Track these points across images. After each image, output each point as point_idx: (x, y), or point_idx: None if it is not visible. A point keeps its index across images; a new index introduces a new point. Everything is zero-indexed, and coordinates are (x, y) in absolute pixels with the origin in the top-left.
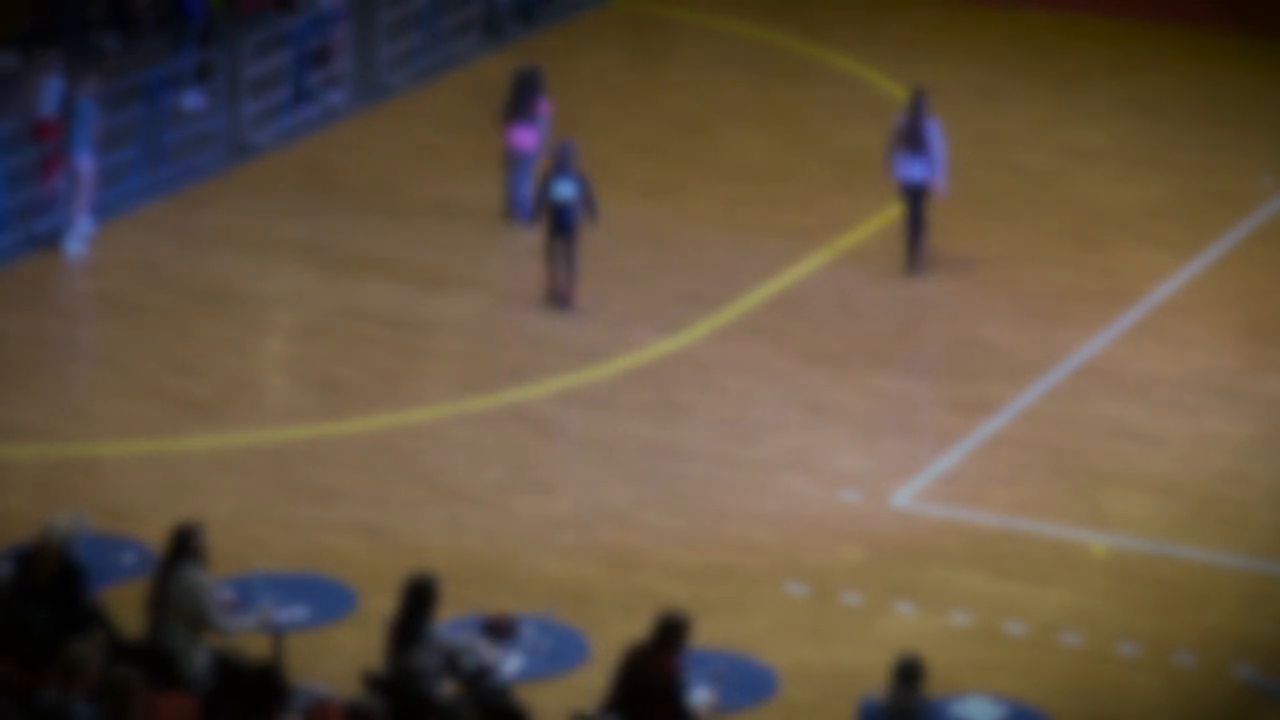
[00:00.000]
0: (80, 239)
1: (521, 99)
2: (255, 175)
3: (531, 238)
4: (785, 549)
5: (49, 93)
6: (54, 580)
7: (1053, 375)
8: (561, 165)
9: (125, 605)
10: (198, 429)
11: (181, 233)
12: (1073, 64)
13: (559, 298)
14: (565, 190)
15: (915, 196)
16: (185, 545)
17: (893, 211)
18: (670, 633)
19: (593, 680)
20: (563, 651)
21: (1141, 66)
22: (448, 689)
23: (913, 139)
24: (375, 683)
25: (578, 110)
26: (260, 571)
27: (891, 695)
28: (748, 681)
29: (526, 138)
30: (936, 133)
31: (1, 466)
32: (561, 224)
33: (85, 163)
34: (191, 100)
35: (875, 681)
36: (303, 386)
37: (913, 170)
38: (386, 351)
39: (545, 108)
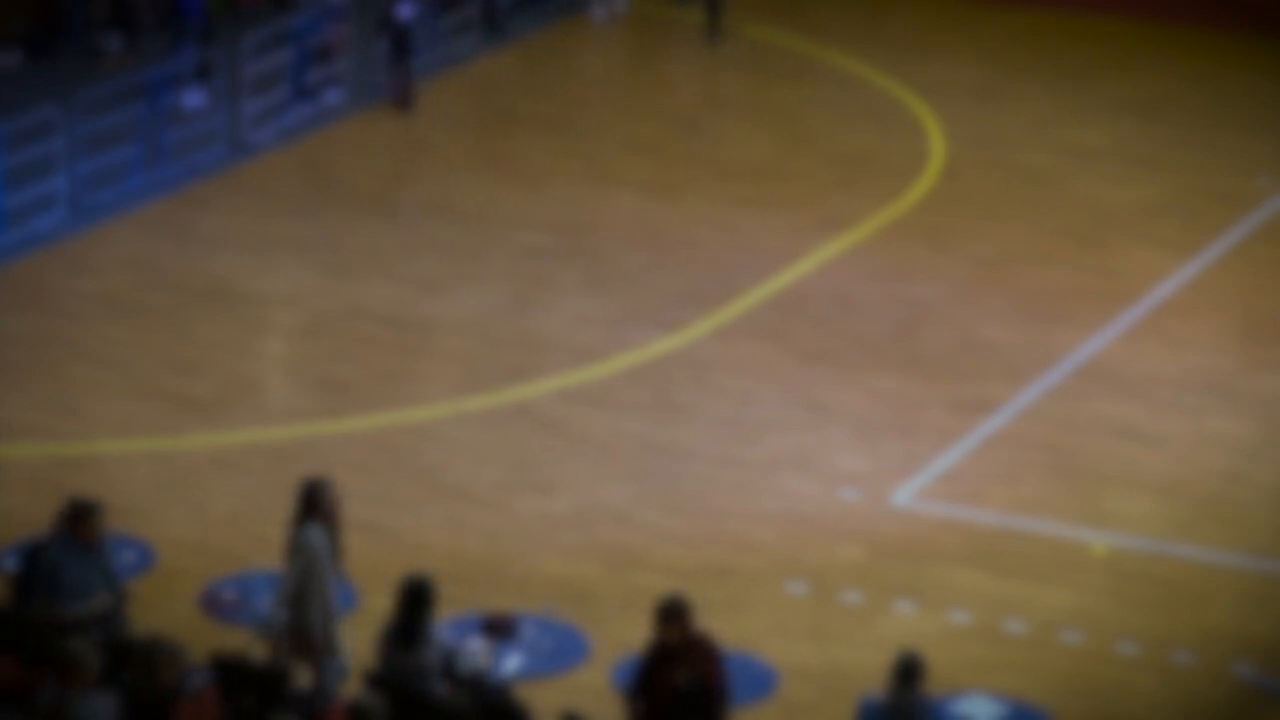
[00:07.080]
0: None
1: None
2: (255, 174)
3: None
4: (785, 548)
5: None
6: None
7: (1053, 375)
8: None
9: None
10: (198, 428)
11: (181, 232)
12: (1073, 64)
13: (401, 101)
14: (405, 12)
15: None
16: (311, 502)
17: (892, 209)
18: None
19: (593, 679)
20: (562, 650)
21: (1141, 66)
22: (445, 689)
23: None
24: (375, 682)
25: (578, 110)
26: (260, 571)
27: (891, 694)
28: (748, 680)
29: None
30: None
31: (1, 466)
32: (402, 42)
33: None
34: (191, 99)
35: (875, 681)
36: (303, 386)
37: None
38: (386, 351)
39: None
